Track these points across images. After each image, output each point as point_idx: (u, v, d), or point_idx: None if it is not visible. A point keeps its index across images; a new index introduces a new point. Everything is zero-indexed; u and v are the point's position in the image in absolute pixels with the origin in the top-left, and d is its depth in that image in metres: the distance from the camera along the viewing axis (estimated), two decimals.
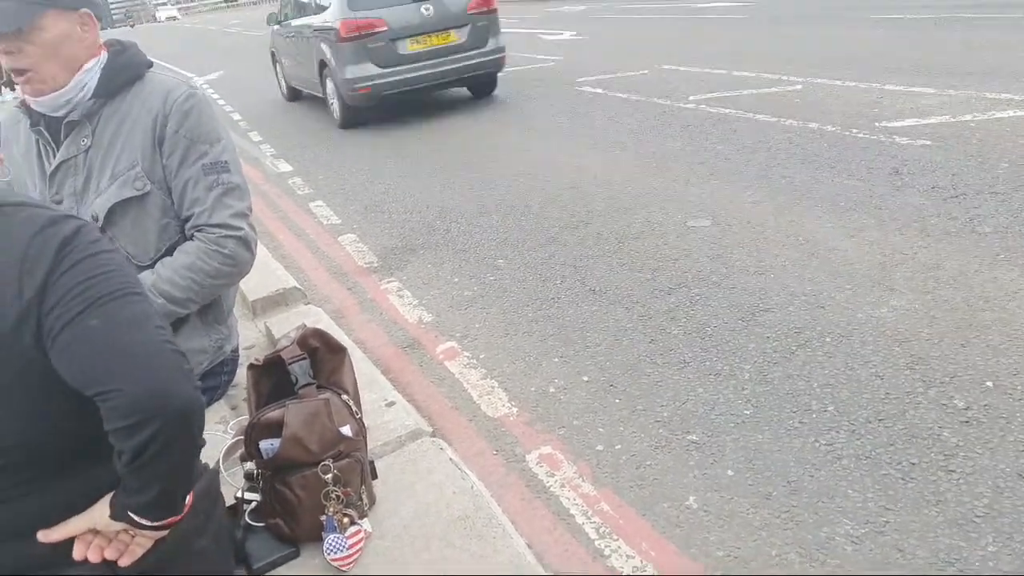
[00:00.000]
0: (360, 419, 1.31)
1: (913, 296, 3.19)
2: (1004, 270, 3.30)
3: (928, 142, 5.05)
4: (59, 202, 1.56)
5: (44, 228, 0.94)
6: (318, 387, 1.27)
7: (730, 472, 2.35)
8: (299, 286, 3.73)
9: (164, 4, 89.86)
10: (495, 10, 8.20)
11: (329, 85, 8.35)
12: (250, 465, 1.22)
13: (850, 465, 2.29)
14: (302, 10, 9.04)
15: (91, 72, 1.53)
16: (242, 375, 1.79)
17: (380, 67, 7.71)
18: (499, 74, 8.77)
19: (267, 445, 1.21)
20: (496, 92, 9.03)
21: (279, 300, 3.50)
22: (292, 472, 1.19)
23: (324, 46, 8.08)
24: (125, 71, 1.56)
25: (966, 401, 2.49)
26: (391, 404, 2.33)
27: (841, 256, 3.64)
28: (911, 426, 2.42)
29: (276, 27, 10.26)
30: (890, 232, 3.82)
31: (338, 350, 1.34)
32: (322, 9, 8.19)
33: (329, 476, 1.18)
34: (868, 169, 4.72)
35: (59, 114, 1.54)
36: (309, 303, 3.62)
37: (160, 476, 0.96)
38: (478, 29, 8.02)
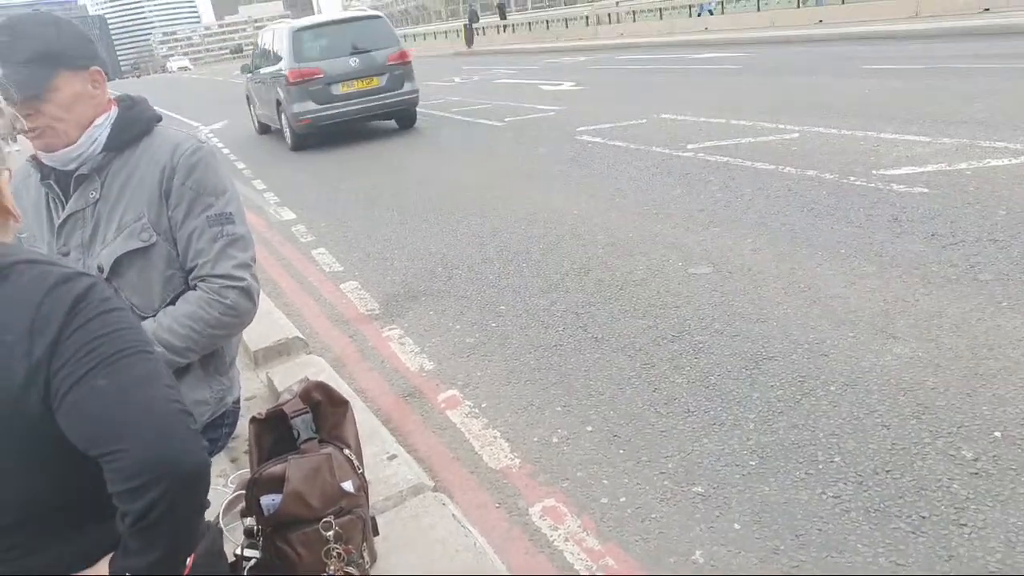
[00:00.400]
0: (362, 474, 1.28)
1: (917, 344, 3.17)
2: (1007, 318, 3.29)
3: (925, 190, 5.09)
4: (66, 253, 1.56)
5: (57, 286, 0.94)
6: (320, 441, 1.26)
7: (736, 525, 2.31)
8: (301, 336, 3.72)
9: (175, 55, 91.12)
10: (409, 62, 10.75)
11: (283, 118, 10.77)
12: (250, 521, 1.19)
13: (859, 518, 2.26)
14: (266, 62, 11.60)
15: (101, 127, 1.55)
16: (243, 427, 1.77)
17: (318, 104, 10.19)
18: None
19: (268, 501, 1.19)
20: (418, 125, 11.53)
21: (281, 350, 3.49)
22: (293, 529, 1.16)
23: (279, 89, 10.55)
24: (135, 126, 1.59)
25: (975, 452, 2.46)
26: (392, 457, 2.30)
27: (843, 303, 3.64)
28: (920, 478, 2.38)
29: (248, 75, 13.01)
30: (891, 279, 3.82)
31: (340, 403, 1.32)
32: (278, 60, 10.69)
33: (331, 533, 1.15)
34: (867, 216, 4.75)
35: (69, 168, 1.55)
36: (311, 353, 3.61)
37: (163, 539, 0.94)
38: (395, 76, 10.54)
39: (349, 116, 10.43)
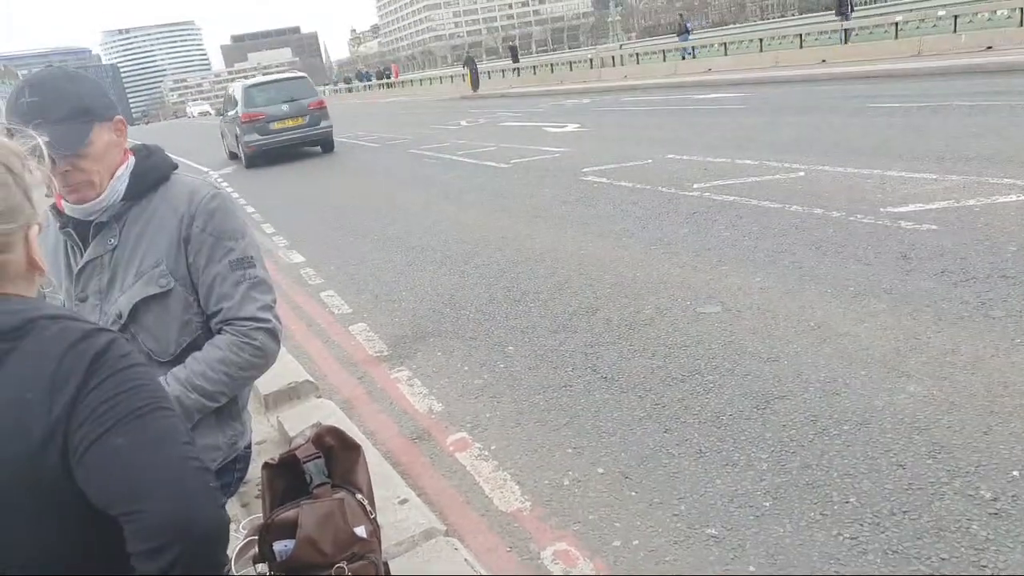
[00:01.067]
0: (374, 519, 1.27)
1: (931, 382, 3.15)
2: (1021, 355, 3.26)
3: (934, 226, 5.10)
4: (83, 299, 1.58)
5: (77, 343, 0.94)
6: (332, 486, 1.25)
7: (752, 568, 2.27)
8: (311, 379, 3.72)
9: (196, 100, 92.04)
10: (325, 107, 16.03)
11: (239, 146, 15.87)
12: (262, 567, 1.18)
13: (876, 560, 2.22)
14: (230, 107, 17.00)
15: (122, 178, 1.58)
16: (254, 471, 1.76)
17: (260, 136, 15.27)
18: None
19: (281, 547, 1.18)
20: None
21: (291, 394, 3.48)
22: (306, 575, 1.16)
23: (236, 126, 15.88)
24: (152, 173, 1.62)
25: (993, 492, 2.42)
26: (404, 501, 2.29)
27: (854, 341, 3.62)
28: (938, 518, 2.34)
29: (221, 117, 19.71)
30: (903, 317, 3.80)
31: (353, 448, 1.32)
32: (236, 106, 15.92)
33: None
34: (875, 254, 4.75)
35: (90, 219, 1.58)
36: (321, 396, 3.60)
37: None
38: (315, 116, 15.74)
39: (282, 144, 15.60)
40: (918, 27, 21.12)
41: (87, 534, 0.95)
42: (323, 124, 15.87)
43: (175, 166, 1.67)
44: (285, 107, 15.42)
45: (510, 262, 5.91)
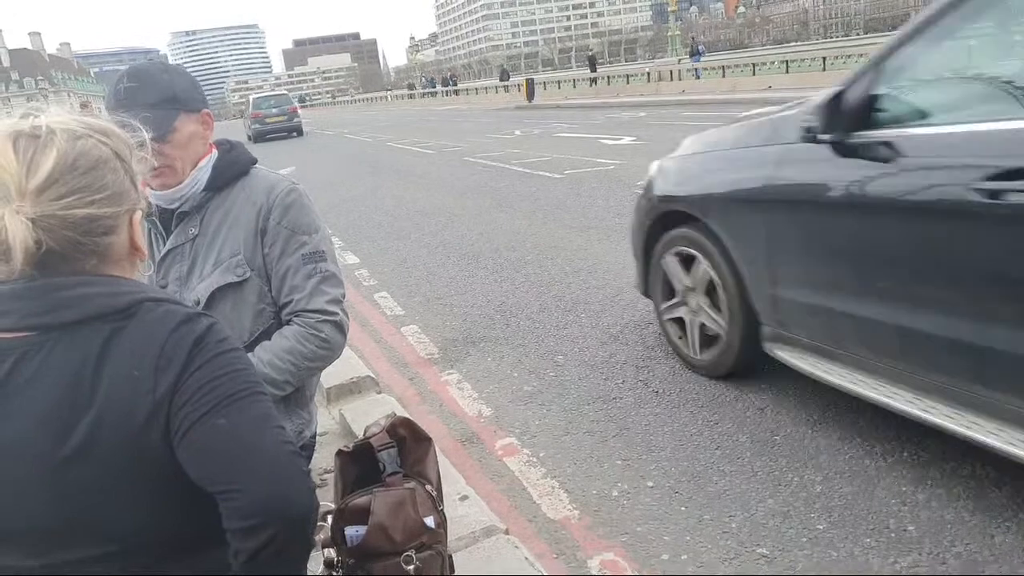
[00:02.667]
0: (442, 511, 1.30)
1: None
2: None
3: None
4: (164, 286, 1.65)
5: (180, 326, 0.99)
6: (404, 476, 1.28)
7: None
8: (373, 374, 3.78)
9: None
10: (297, 110, 31.28)
11: (249, 130, 29.62)
12: (331, 552, 1.21)
13: None
14: (250, 109, 31.75)
15: (204, 169, 1.65)
16: (316, 461, 1.81)
17: (260, 126, 29.16)
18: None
19: (352, 532, 1.21)
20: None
21: (353, 388, 3.56)
22: (375, 561, 1.18)
23: (246, 119, 32.91)
24: (233, 167, 1.68)
25: None
26: (464, 498, 2.32)
27: None
28: (999, 555, 2.28)
29: (242, 117, 40.81)
30: None
31: (424, 439, 1.35)
32: (246, 108, 34.87)
33: (411, 567, 1.16)
34: None
35: (172, 207, 1.65)
36: (381, 392, 3.66)
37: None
38: (291, 115, 30.04)
39: (272, 130, 29.24)
40: None
41: (182, 508, 0.99)
42: (295, 120, 29.89)
43: (255, 161, 1.74)
44: (274, 109, 29.83)
45: (562, 272, 5.92)
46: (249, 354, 1.59)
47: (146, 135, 1.10)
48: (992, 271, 2.23)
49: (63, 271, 0.98)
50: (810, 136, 2.79)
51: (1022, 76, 2.46)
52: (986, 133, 2.32)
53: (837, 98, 2.66)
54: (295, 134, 29.44)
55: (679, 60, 35.54)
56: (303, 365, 1.61)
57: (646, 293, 4.14)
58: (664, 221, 3.82)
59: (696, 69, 30.75)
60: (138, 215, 1.07)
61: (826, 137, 2.72)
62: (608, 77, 36.47)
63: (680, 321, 3.83)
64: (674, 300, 3.84)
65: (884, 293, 2.60)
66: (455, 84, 56.06)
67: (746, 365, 3.53)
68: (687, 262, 3.67)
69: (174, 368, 0.96)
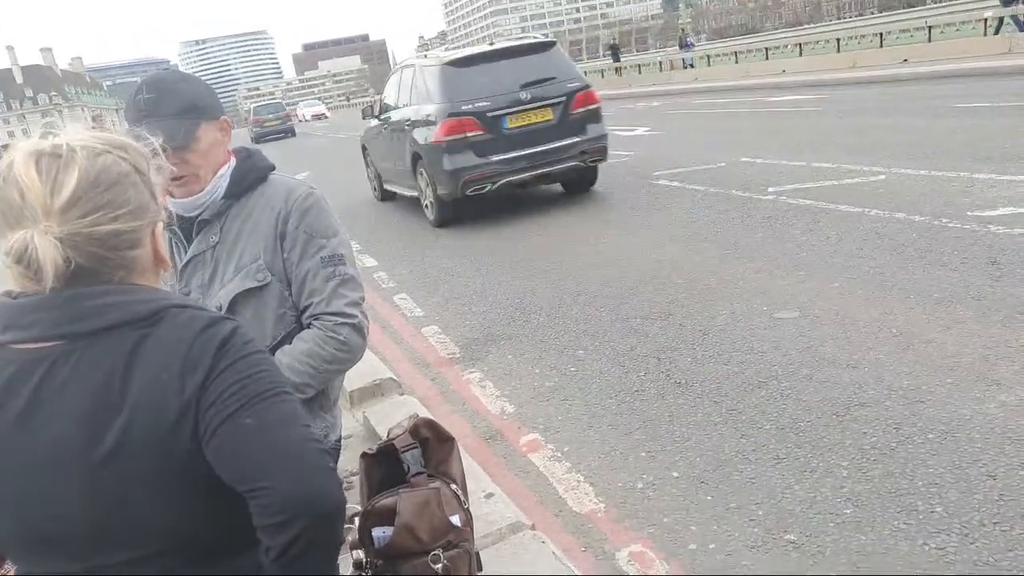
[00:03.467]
0: (467, 509, 1.32)
1: None
2: None
3: None
4: (187, 294, 1.68)
5: (205, 329, 1.02)
6: (428, 476, 1.30)
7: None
8: (395, 377, 3.81)
9: (308, 99, 79.36)
10: (290, 115, 38.75)
11: (251, 135, 34.88)
12: (359, 553, 1.24)
13: (965, 571, 2.15)
14: (251, 115, 38.46)
15: (224, 177, 1.67)
16: (342, 464, 1.83)
17: (260, 129, 35.03)
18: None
19: (379, 533, 1.23)
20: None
21: (375, 391, 3.59)
22: (402, 561, 1.20)
23: (251, 123, 37.40)
24: (252, 174, 1.71)
25: None
26: (490, 495, 2.34)
27: (939, 349, 3.51)
28: None
29: (256, 129, 36.38)
30: (992, 324, 3.66)
31: (447, 439, 1.37)
32: (251, 114, 39.02)
33: (439, 566, 1.18)
34: (962, 259, 4.58)
35: (192, 215, 1.67)
36: (404, 394, 3.69)
37: (303, 571, 0.99)
38: (285, 120, 36.62)
39: (271, 132, 35.05)
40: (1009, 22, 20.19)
41: (215, 509, 1.02)
42: (288, 123, 34.66)
43: (272, 167, 1.76)
44: (271, 115, 34.56)
45: (580, 265, 5.92)
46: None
47: (156, 142, 1.11)
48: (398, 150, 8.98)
49: (91, 285, 1.01)
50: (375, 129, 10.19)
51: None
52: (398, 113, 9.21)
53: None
54: (289, 135, 35.22)
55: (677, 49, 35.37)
56: (322, 368, 1.63)
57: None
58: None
59: (684, 59, 30.93)
60: (160, 226, 1.09)
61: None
62: (618, 68, 36.23)
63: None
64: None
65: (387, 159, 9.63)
66: None
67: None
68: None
69: (201, 370, 0.98)
